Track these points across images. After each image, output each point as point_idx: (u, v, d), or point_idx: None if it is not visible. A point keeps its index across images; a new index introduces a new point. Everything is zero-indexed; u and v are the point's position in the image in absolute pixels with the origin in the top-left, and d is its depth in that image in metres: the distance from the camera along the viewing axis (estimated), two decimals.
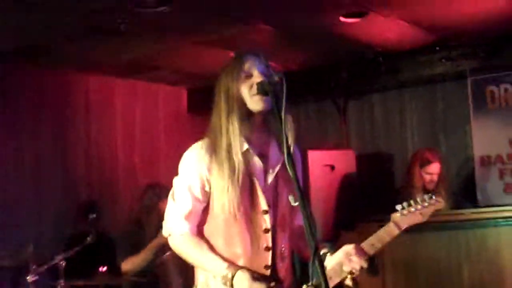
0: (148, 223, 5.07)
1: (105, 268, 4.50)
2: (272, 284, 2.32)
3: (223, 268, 2.35)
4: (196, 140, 2.53)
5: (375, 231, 2.49)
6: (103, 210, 5.77)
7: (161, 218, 4.84)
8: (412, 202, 2.52)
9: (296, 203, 2.23)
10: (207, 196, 2.45)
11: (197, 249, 2.42)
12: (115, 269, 4.80)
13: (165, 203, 3.81)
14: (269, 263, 2.43)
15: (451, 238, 4.33)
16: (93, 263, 4.63)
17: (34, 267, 4.26)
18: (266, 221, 2.43)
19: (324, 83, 6.13)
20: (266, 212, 2.44)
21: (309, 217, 2.11)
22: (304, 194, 2.18)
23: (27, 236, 5.09)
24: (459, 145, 5.86)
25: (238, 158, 2.40)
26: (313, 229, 2.10)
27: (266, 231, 2.43)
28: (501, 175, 5.56)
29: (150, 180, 5.68)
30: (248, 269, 2.34)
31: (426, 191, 4.94)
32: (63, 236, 5.32)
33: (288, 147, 2.19)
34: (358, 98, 6.39)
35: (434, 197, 2.57)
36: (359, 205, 5.52)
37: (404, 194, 4.99)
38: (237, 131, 2.41)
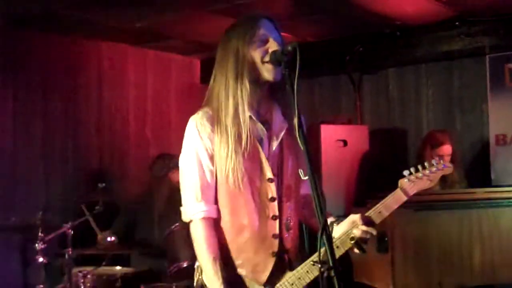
0: (158, 193, 5.07)
1: (113, 238, 4.51)
2: None
3: (217, 286, 2.29)
4: None
5: None
6: (113, 179, 5.76)
7: (171, 189, 4.87)
8: (419, 167, 2.43)
9: (306, 177, 2.17)
10: (215, 165, 2.37)
11: (208, 250, 2.32)
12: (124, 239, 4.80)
13: (175, 174, 3.77)
14: (277, 231, 2.38)
15: (463, 217, 4.25)
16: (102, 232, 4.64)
17: (42, 235, 4.25)
18: (272, 189, 2.37)
19: (340, 56, 6.02)
20: (271, 180, 2.38)
21: (318, 192, 2.05)
22: (314, 169, 2.10)
23: (36, 204, 5.09)
24: (474, 123, 5.75)
25: (246, 123, 2.33)
26: (322, 204, 2.03)
27: (272, 199, 2.37)
28: None
29: (161, 150, 5.66)
30: None
31: None
32: (72, 205, 5.32)
33: (300, 121, 2.11)
34: (374, 72, 6.29)
35: (442, 161, 2.49)
36: (371, 181, 5.46)
37: None
38: (246, 95, 2.33)
